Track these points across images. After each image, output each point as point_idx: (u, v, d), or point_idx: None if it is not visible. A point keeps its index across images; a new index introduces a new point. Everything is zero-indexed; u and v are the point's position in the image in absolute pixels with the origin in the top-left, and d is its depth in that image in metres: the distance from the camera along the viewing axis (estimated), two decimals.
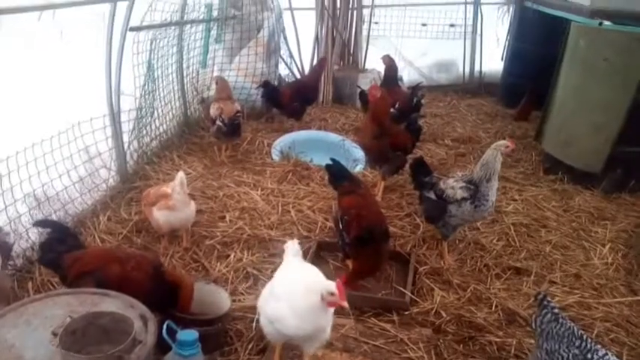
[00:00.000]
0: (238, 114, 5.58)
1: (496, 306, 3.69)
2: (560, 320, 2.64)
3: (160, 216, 3.93)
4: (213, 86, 5.91)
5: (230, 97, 5.77)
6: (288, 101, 6.60)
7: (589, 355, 2.48)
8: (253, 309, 3.48)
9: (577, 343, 2.55)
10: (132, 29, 4.72)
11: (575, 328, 2.61)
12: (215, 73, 6.70)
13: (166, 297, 2.95)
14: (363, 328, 3.44)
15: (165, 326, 2.50)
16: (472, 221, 4.33)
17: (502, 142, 4.03)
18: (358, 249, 3.72)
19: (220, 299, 3.35)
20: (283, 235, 4.42)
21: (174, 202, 3.88)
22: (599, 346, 2.55)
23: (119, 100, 4.76)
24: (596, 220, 4.93)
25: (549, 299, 2.73)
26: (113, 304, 2.60)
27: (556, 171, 5.64)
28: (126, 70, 4.87)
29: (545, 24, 6.82)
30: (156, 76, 5.43)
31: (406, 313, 3.62)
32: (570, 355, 2.53)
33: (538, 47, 7.21)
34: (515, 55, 8.01)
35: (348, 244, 3.79)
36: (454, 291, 3.86)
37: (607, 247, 4.48)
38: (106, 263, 2.92)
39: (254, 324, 3.38)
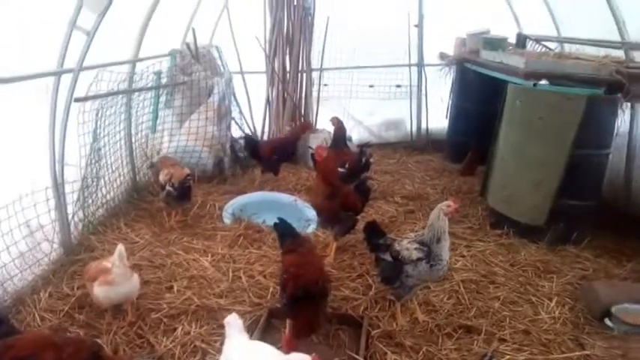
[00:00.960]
0: (189, 177, 5.57)
1: None
2: None
3: (99, 292, 3.83)
4: (163, 152, 5.91)
5: (175, 163, 5.80)
6: (268, 155, 6.84)
7: None
8: None
9: None
10: (77, 100, 4.70)
11: None
12: (165, 138, 6.70)
13: None
14: None
15: None
16: (428, 281, 4.37)
17: (445, 202, 4.14)
18: (295, 308, 3.70)
19: None
20: (233, 303, 4.35)
21: (113, 276, 3.79)
22: None
23: (63, 171, 4.68)
24: (543, 273, 5.04)
25: None
26: None
27: (502, 225, 5.79)
28: (71, 141, 4.82)
29: (484, 84, 7.13)
30: (102, 144, 5.38)
31: None
32: None
33: (479, 105, 7.54)
34: (459, 113, 8.33)
35: (286, 304, 3.77)
36: (407, 354, 3.84)
37: (554, 300, 4.57)
38: (41, 350, 2.78)
39: None
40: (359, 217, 5.35)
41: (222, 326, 3.98)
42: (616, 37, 6.05)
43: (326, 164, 5.14)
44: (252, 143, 7.15)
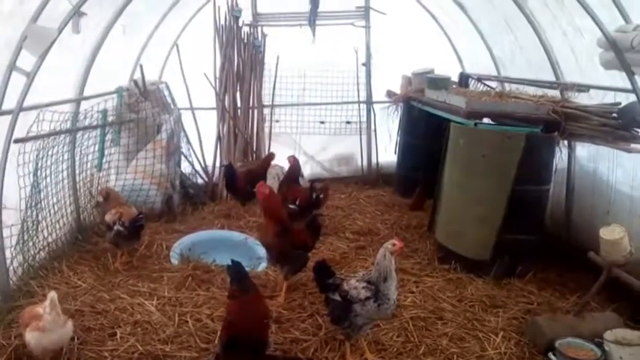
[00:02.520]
0: (140, 216, 5.47)
1: None
2: None
3: (30, 338, 3.71)
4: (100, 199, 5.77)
5: (124, 202, 5.68)
6: (244, 185, 6.93)
7: None
8: None
9: None
10: (16, 141, 4.57)
11: None
12: (112, 176, 6.56)
13: None
14: None
15: None
16: (377, 319, 4.38)
17: (390, 241, 4.19)
18: (226, 356, 3.66)
19: None
20: (179, 349, 4.23)
21: (44, 323, 3.68)
22: None
23: (0, 215, 4.50)
24: (489, 308, 5.12)
25: None
26: None
27: (449, 260, 5.88)
28: (10, 182, 4.66)
29: (430, 120, 7.31)
30: (43, 185, 5.22)
31: None
32: None
33: (426, 141, 7.70)
34: (406, 149, 8.51)
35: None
36: None
37: (500, 335, 4.63)
38: None
39: None
40: (310, 253, 5.34)
41: None
42: (552, 77, 6.36)
43: (270, 201, 5.12)
44: (230, 173, 7.16)
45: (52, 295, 3.73)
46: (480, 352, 4.44)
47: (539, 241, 5.76)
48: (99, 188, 6.32)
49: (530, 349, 4.51)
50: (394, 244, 4.11)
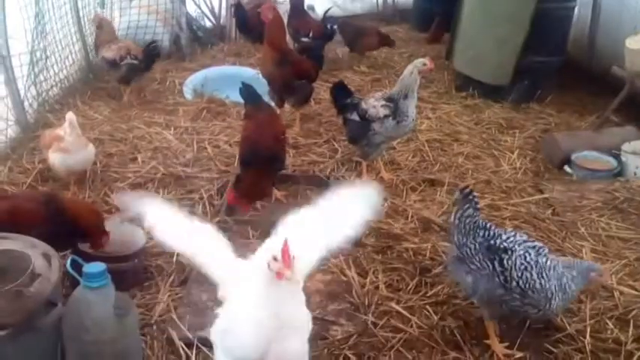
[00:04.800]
0: (154, 43, 5.39)
1: (412, 216, 3.80)
2: (474, 214, 2.72)
3: (54, 159, 3.77)
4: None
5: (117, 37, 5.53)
6: (255, 24, 6.37)
7: (492, 241, 2.61)
8: None
9: (481, 233, 2.67)
10: None
11: (481, 221, 2.72)
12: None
13: (69, 228, 2.84)
14: None
15: (69, 261, 2.40)
16: (395, 138, 4.39)
17: (421, 59, 4.06)
18: (244, 172, 3.73)
19: (136, 236, 3.26)
20: (200, 171, 4.33)
21: (65, 144, 3.71)
22: (503, 231, 2.69)
23: (8, 43, 4.39)
24: (506, 129, 5.12)
25: (475, 194, 2.77)
26: (12, 245, 2.45)
27: (467, 87, 5.78)
28: (12, 11, 4.50)
29: None
30: (47, 17, 5.03)
31: None
32: (477, 244, 2.65)
33: None
34: None
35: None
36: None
37: (515, 153, 4.68)
38: None
39: (174, 258, 3.34)
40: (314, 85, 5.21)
41: (190, 191, 4.06)
42: None
43: (272, 25, 4.88)
44: (240, 12, 6.73)
45: (70, 115, 3.72)
46: (495, 167, 4.50)
47: (560, 64, 5.59)
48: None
49: (545, 164, 4.56)
50: (425, 64, 3.98)
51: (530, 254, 2.55)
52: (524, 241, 2.62)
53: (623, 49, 4.46)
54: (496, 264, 2.55)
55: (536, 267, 2.50)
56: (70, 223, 2.85)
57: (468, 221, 2.70)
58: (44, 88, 5.09)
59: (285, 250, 1.89)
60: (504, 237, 2.62)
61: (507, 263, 2.53)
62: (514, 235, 2.64)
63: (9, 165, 4.17)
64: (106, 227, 3.08)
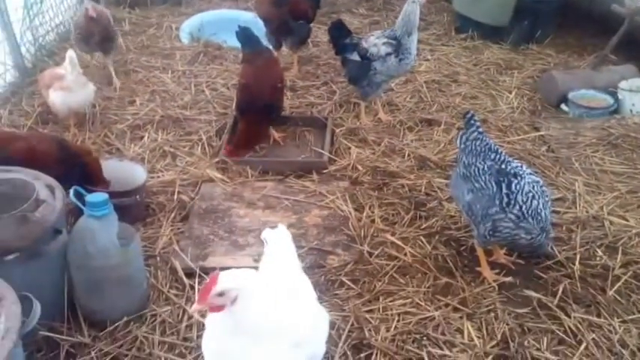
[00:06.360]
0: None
1: (408, 155, 3.86)
2: (481, 137, 2.81)
3: (55, 98, 3.79)
4: None
5: None
6: None
7: (502, 166, 2.68)
8: (173, 183, 3.53)
9: (492, 156, 2.74)
10: None
11: (492, 144, 2.80)
12: None
13: (76, 169, 2.91)
14: (284, 188, 3.56)
15: (72, 191, 2.47)
16: (396, 76, 4.39)
17: None
18: (241, 119, 3.79)
19: (136, 174, 3.33)
20: (199, 113, 4.37)
21: (67, 82, 3.72)
22: (512, 159, 2.77)
23: None
24: (504, 70, 5.10)
25: (476, 118, 2.86)
26: (17, 175, 2.52)
27: (466, 29, 5.71)
28: None
29: None
30: None
31: (325, 171, 3.73)
32: (485, 165, 2.72)
33: None
34: None
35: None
36: (369, 147, 3.98)
37: (513, 93, 4.69)
38: (10, 141, 2.83)
39: (175, 196, 3.42)
40: (312, 25, 5.15)
41: (189, 133, 4.11)
42: None
43: None
44: None
45: (71, 53, 3.72)
46: (492, 107, 4.52)
47: (560, 4, 5.51)
48: None
49: (542, 103, 4.58)
50: None
51: (538, 184, 2.65)
52: (530, 173, 2.70)
53: None
54: (503, 186, 2.62)
55: (542, 197, 2.59)
56: (78, 166, 2.93)
57: (478, 143, 2.78)
58: (40, 33, 5.06)
59: (206, 286, 1.74)
60: (514, 164, 2.70)
61: (515, 187, 2.60)
62: (521, 166, 2.72)
63: (9, 108, 4.20)
64: (107, 164, 3.18)
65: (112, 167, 3.26)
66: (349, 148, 3.96)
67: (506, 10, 5.37)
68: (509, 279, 2.77)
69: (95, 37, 4.47)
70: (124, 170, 3.33)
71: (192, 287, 2.75)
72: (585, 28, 5.79)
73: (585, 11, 5.85)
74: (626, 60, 4.90)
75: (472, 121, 2.84)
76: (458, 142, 2.90)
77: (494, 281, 2.75)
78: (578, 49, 5.50)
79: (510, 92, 4.69)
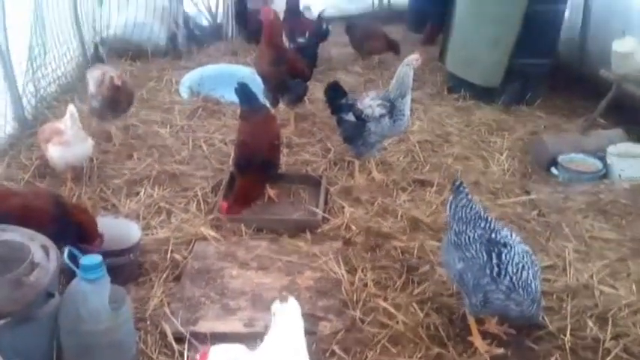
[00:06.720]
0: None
1: (401, 215, 3.89)
2: (471, 204, 2.86)
3: (54, 152, 3.85)
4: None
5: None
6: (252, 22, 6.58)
7: (492, 235, 2.71)
8: (167, 241, 3.54)
9: (482, 224, 2.77)
10: None
11: (482, 211, 2.84)
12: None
13: (71, 227, 2.93)
14: (278, 248, 3.57)
15: (66, 252, 2.48)
16: (389, 137, 4.49)
17: (411, 56, 4.16)
18: (238, 176, 3.85)
19: (130, 232, 3.34)
20: (196, 169, 4.42)
21: (67, 137, 3.79)
22: (502, 226, 2.81)
23: (7, 37, 4.46)
24: (495, 131, 5.21)
25: (465, 186, 2.92)
26: (12, 236, 2.53)
27: (459, 89, 5.87)
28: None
29: None
30: (45, 13, 5.11)
31: (318, 230, 3.75)
32: (476, 234, 2.74)
33: None
34: None
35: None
36: (363, 207, 4.02)
37: (504, 154, 4.77)
38: (6, 198, 2.85)
39: (168, 255, 3.43)
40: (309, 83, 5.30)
41: (185, 189, 4.14)
42: None
43: (273, 26, 4.97)
44: (243, 6, 6.97)
45: (72, 108, 3.80)
46: (484, 168, 4.59)
47: (551, 66, 5.69)
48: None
49: (533, 165, 4.65)
50: (417, 59, 4.08)
51: (528, 253, 2.66)
52: (519, 242, 2.73)
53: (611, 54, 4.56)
54: (493, 256, 2.64)
55: (532, 267, 2.61)
56: (73, 224, 2.94)
57: (467, 210, 2.83)
58: (42, 84, 5.16)
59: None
60: (503, 233, 2.73)
61: (505, 257, 2.62)
62: (511, 234, 2.76)
63: (7, 161, 4.25)
64: (103, 221, 3.19)
65: (107, 225, 3.27)
66: (343, 207, 4.00)
67: (497, 71, 5.54)
68: (500, 350, 2.76)
69: (123, 103, 4.53)
70: (119, 228, 3.35)
71: (181, 354, 2.72)
72: (575, 90, 5.95)
73: (575, 74, 6.03)
74: (615, 124, 5.01)
75: (461, 189, 2.91)
76: (447, 209, 2.95)
77: (486, 352, 2.75)
78: (568, 112, 5.64)
79: (502, 154, 4.78)
